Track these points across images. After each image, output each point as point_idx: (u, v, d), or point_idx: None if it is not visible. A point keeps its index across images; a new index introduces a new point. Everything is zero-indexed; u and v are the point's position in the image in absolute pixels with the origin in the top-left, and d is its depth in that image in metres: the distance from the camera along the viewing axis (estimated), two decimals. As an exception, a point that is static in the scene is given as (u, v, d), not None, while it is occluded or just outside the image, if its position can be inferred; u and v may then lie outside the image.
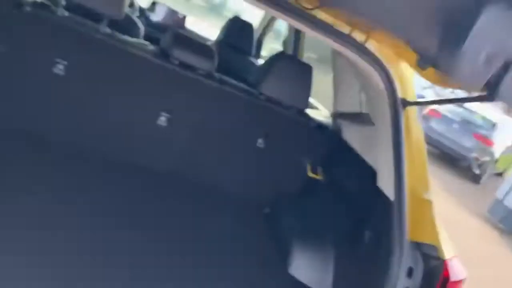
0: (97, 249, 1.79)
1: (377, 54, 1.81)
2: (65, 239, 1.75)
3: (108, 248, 1.82)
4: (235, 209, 2.63)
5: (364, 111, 2.32)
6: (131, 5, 3.36)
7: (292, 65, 2.38)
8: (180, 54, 2.16)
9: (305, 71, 2.37)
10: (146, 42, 2.22)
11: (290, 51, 3.71)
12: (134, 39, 2.20)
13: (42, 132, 2.27)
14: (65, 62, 2.12)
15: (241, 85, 2.40)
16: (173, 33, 2.21)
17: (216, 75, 2.33)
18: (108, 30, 2.11)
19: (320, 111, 2.95)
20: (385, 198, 1.78)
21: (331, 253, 2.26)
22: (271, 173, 2.69)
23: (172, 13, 4.13)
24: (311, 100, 2.91)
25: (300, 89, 2.36)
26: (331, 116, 2.69)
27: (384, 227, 1.75)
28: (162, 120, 2.38)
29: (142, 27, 2.59)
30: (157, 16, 4.25)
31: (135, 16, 2.79)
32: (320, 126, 2.50)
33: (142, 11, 4.03)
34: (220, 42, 3.52)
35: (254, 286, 2.07)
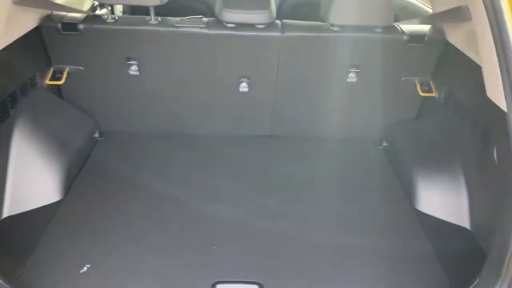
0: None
1: None
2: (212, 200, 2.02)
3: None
4: (353, 149, 2.49)
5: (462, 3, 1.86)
6: None
7: None
8: (233, 16, 2.02)
9: None
10: (198, 16, 2.12)
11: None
12: (185, 18, 2.13)
13: (157, 129, 2.49)
14: (135, 62, 2.18)
15: (308, 23, 2.15)
16: None
17: (279, 23, 2.12)
18: (158, 18, 2.08)
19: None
20: (500, 110, 1.42)
21: (461, 178, 1.95)
22: (378, 105, 2.41)
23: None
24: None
25: (377, 4, 2.01)
26: (431, 19, 2.24)
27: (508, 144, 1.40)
28: (244, 86, 2.30)
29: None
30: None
31: None
32: (417, 36, 2.10)
33: None
34: None
35: (382, 228, 1.93)
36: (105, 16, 2.06)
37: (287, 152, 2.46)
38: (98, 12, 2.13)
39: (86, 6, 2.52)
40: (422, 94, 2.26)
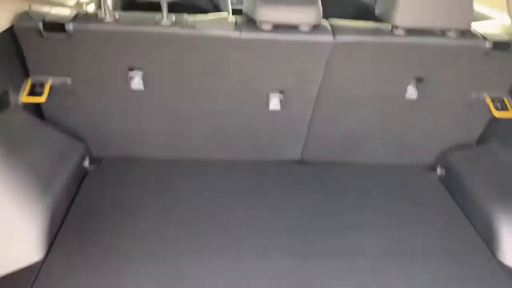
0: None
1: None
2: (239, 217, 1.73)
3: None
4: (402, 176, 2.07)
5: None
6: None
7: None
8: (271, 15, 1.54)
9: None
10: (224, 13, 1.64)
11: None
12: (207, 17, 1.64)
13: (163, 154, 2.04)
14: (140, 73, 1.69)
15: (363, 24, 1.70)
16: None
17: (327, 24, 1.66)
18: (172, 18, 1.59)
19: (493, 19, 2.07)
20: None
21: None
22: (436, 125, 1.98)
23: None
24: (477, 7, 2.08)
25: (455, 1, 1.56)
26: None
27: None
28: (275, 103, 1.83)
29: None
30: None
31: None
32: (502, 43, 1.66)
33: None
34: None
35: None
36: (102, 14, 1.56)
37: (321, 180, 2.01)
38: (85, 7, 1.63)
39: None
40: (497, 114, 1.83)
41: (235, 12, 3.81)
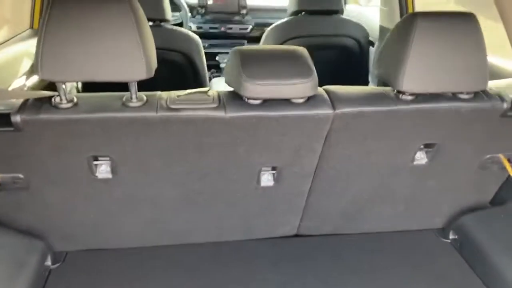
0: None
1: None
2: None
3: None
4: (411, 243, 1.87)
5: None
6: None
7: (437, 25, 1.37)
8: (260, 91, 1.30)
9: (468, 27, 1.36)
10: (203, 90, 1.38)
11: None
12: (184, 93, 1.38)
13: (138, 243, 1.77)
14: (107, 161, 1.42)
15: (364, 90, 1.48)
16: (239, 54, 1.35)
17: (324, 94, 1.43)
18: (142, 98, 1.33)
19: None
20: None
21: None
22: (447, 188, 1.77)
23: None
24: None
25: (469, 63, 1.37)
26: None
27: None
28: (268, 179, 1.59)
29: None
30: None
31: None
32: None
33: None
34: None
35: None
36: (57, 99, 1.29)
37: (321, 256, 1.78)
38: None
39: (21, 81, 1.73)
40: None
41: (212, 67, 3.67)
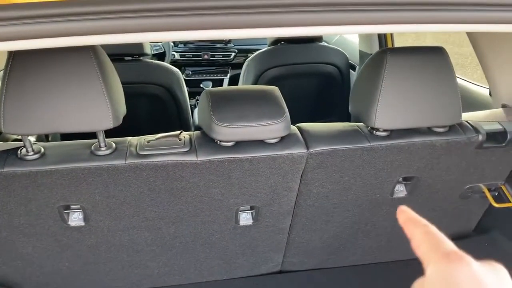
0: None
1: None
2: None
3: None
4: (396, 273, 1.84)
5: None
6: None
7: (407, 60, 1.36)
8: (231, 134, 1.29)
9: (438, 60, 1.35)
10: (173, 133, 1.36)
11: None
12: (154, 138, 1.36)
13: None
14: (78, 210, 1.39)
15: (336, 126, 1.47)
16: (209, 97, 1.33)
17: (297, 132, 1.41)
18: (111, 145, 1.30)
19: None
20: None
21: None
22: (428, 218, 1.74)
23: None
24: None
25: (441, 97, 1.36)
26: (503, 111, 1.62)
27: None
28: (246, 217, 1.56)
29: None
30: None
31: None
32: (495, 134, 1.46)
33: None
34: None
35: None
36: (23, 151, 1.26)
37: None
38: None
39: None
40: (497, 205, 1.62)
41: (196, 94, 3.67)
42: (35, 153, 1.25)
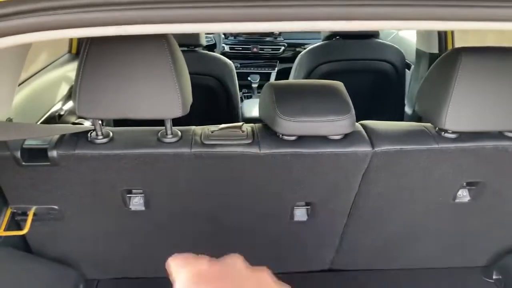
0: None
1: None
2: None
3: None
4: (451, 281, 1.80)
5: None
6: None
7: (483, 61, 1.30)
8: (295, 128, 1.27)
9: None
10: (237, 124, 1.36)
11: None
12: (217, 128, 1.37)
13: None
14: (140, 194, 1.42)
15: (402, 125, 1.43)
16: (273, 90, 1.33)
17: (362, 130, 1.38)
18: (177, 133, 1.32)
19: None
20: None
21: None
22: (490, 227, 1.68)
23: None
24: None
25: None
26: None
27: None
28: (301, 214, 1.55)
29: None
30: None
31: None
32: None
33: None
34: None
35: None
36: (93, 134, 1.30)
37: None
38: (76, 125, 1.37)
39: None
40: None
41: (243, 87, 3.68)
42: (104, 137, 1.29)
